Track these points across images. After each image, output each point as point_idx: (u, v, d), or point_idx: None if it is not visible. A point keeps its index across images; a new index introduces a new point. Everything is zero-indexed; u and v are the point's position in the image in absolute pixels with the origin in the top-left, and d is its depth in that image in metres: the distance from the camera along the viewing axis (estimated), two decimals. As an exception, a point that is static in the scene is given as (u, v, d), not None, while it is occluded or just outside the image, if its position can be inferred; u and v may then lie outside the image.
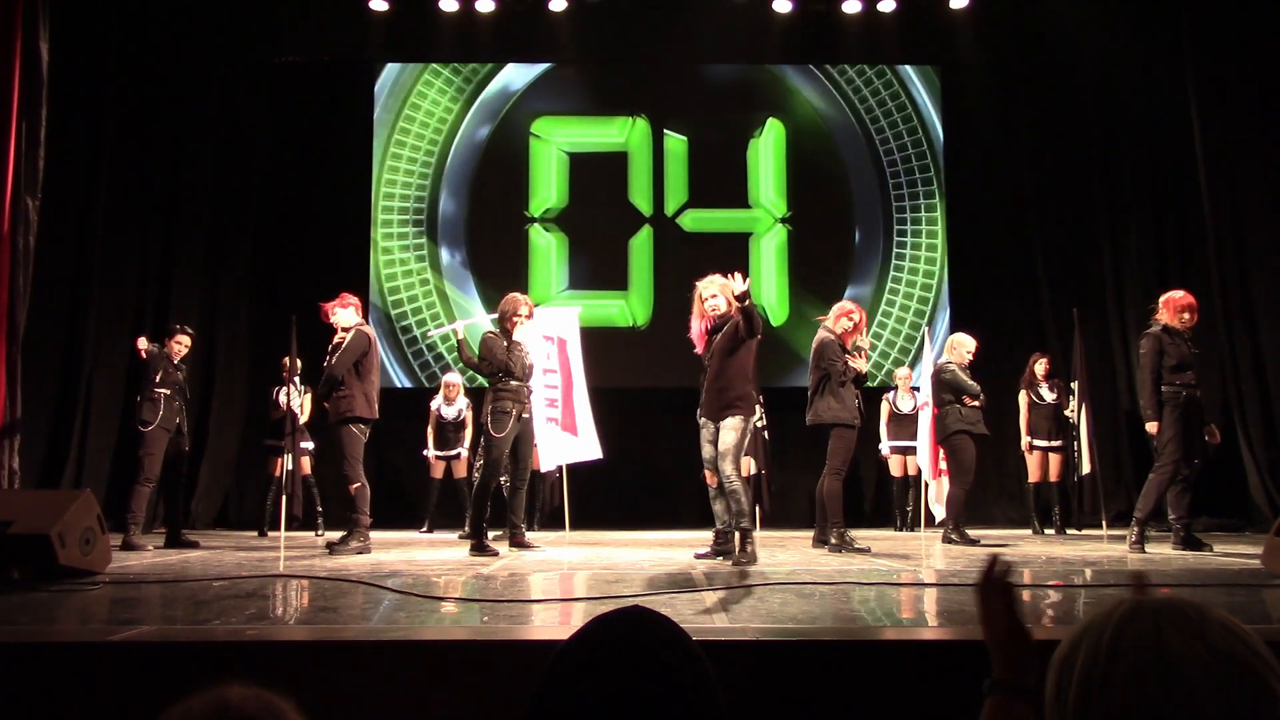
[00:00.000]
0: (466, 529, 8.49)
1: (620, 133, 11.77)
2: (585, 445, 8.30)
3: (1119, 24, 10.28)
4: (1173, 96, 9.94)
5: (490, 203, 11.47)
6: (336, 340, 7.03)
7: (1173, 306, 6.99)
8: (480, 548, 6.57)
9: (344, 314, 7.10)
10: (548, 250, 11.55)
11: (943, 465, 7.88)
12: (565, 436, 8.12)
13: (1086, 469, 8.32)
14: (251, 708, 1.02)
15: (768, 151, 11.58)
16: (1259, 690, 1.00)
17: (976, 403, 7.82)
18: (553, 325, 8.34)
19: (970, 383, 7.82)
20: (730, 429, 5.95)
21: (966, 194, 11.30)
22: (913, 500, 9.79)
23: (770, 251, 11.40)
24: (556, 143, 11.73)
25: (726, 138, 11.59)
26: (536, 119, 11.70)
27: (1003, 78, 11.23)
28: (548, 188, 11.63)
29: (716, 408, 6.03)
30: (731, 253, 10.43)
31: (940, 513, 7.96)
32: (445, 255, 11.43)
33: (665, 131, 11.68)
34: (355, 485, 6.83)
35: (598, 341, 10.94)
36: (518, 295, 7.14)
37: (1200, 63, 9.61)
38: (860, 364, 7.08)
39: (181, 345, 7.89)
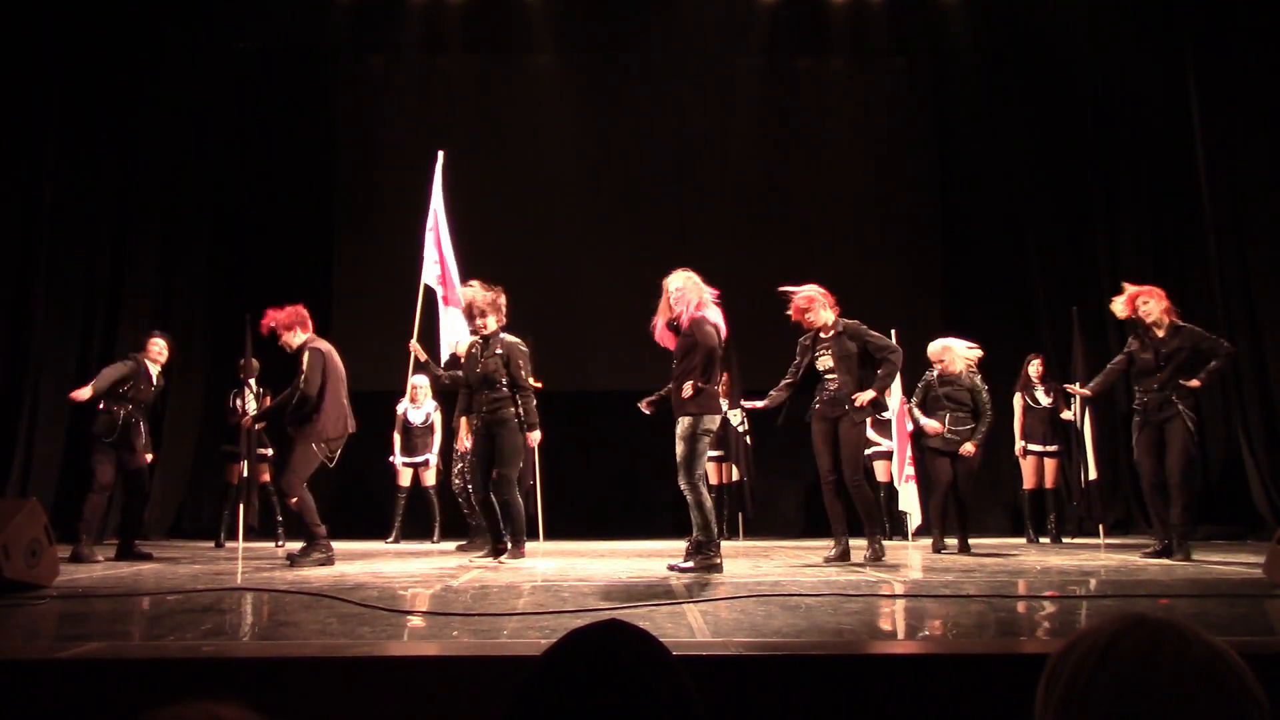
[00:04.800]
0: (469, 540, 8.32)
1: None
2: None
3: (1116, 13, 10.33)
4: (1171, 87, 9.99)
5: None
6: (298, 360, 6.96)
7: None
8: (499, 552, 6.71)
9: (291, 337, 7.02)
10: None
11: (909, 470, 7.96)
12: (453, 312, 7.60)
13: (1094, 475, 8.35)
14: None
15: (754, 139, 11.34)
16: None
17: (939, 428, 7.94)
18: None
19: (931, 421, 7.97)
20: (679, 438, 6.01)
21: (959, 189, 11.31)
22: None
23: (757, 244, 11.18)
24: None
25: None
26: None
27: (996, 69, 11.23)
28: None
29: (676, 406, 6.11)
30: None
31: (913, 520, 8.04)
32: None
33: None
34: (294, 500, 6.82)
35: (564, 342, 10.77)
36: (496, 288, 6.93)
37: (1200, 52, 9.67)
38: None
39: (159, 350, 7.84)
